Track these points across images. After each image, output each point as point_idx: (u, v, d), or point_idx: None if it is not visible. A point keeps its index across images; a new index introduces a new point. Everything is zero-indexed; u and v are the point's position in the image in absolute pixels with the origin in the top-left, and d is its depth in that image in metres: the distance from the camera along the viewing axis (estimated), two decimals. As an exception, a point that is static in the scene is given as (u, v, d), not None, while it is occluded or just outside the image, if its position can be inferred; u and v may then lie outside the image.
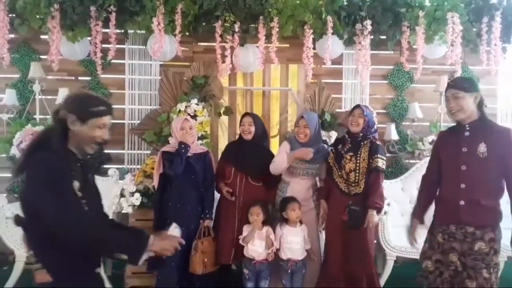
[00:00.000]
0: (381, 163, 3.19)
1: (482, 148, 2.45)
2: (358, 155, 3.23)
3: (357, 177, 3.21)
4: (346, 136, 3.36)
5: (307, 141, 3.37)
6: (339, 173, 3.28)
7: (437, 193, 2.70)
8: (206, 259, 3.25)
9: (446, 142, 2.68)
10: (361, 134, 3.27)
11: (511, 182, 2.44)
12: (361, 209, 3.14)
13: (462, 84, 2.55)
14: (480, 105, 2.52)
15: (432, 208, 2.75)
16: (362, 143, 3.27)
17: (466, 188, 2.49)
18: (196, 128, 3.61)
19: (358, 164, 3.22)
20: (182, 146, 3.27)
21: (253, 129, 3.48)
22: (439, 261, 2.60)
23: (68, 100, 1.82)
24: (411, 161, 4.70)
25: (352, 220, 3.14)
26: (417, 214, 2.79)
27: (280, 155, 3.39)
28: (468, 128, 2.53)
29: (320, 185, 3.54)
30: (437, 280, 2.60)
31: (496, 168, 2.45)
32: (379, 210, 3.20)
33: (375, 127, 3.34)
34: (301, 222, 3.31)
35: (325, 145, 3.65)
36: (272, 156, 3.49)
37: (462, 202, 2.50)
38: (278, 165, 3.34)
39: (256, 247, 3.23)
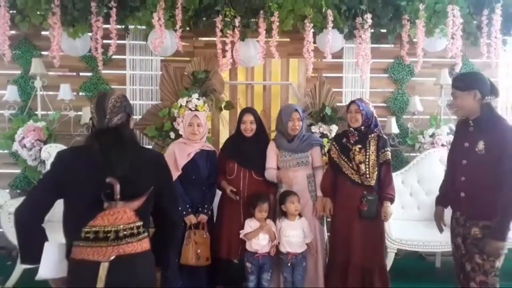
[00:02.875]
0: (390, 155, 3.34)
1: (481, 145, 2.50)
2: (367, 148, 3.30)
3: (367, 169, 3.26)
4: (352, 129, 3.38)
5: (298, 132, 3.46)
6: (350, 165, 3.31)
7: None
8: (199, 250, 3.25)
9: (457, 133, 2.78)
10: (363, 127, 3.33)
11: (505, 181, 2.43)
12: (376, 198, 3.23)
13: (457, 83, 2.61)
14: (482, 101, 2.53)
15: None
16: (369, 136, 3.34)
17: (465, 181, 2.58)
18: (207, 126, 3.58)
19: (367, 157, 3.29)
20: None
21: (254, 126, 3.49)
22: (455, 245, 2.73)
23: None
24: (411, 154, 4.73)
25: (370, 210, 3.21)
26: (438, 201, 2.89)
27: (270, 157, 3.49)
28: (471, 124, 2.59)
29: (313, 173, 3.53)
30: (457, 262, 2.73)
31: (493, 165, 2.47)
32: (392, 201, 3.30)
33: (375, 117, 3.40)
34: (300, 215, 3.34)
35: (312, 133, 3.78)
36: None
37: (462, 194, 2.59)
38: (270, 176, 3.47)
39: (260, 241, 3.26)
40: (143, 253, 1.88)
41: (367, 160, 3.28)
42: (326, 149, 3.80)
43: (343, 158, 3.34)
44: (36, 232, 1.93)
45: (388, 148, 3.35)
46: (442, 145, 4.34)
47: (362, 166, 3.26)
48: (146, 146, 2.17)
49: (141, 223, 1.88)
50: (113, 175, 1.84)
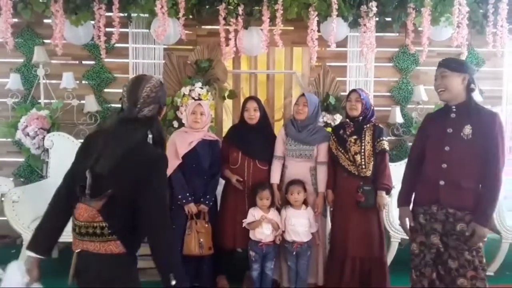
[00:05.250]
0: (386, 145, 3.31)
1: (467, 130, 2.46)
2: (363, 138, 3.29)
3: (363, 160, 3.25)
4: (348, 120, 3.38)
5: (304, 119, 3.41)
6: (346, 156, 3.31)
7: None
8: (202, 239, 3.25)
9: (432, 123, 2.68)
10: (361, 118, 3.33)
11: (489, 165, 2.42)
12: (372, 189, 3.22)
13: (449, 63, 2.56)
14: (468, 87, 2.51)
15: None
16: (365, 126, 3.33)
17: (447, 168, 2.50)
18: (210, 115, 3.55)
19: (363, 147, 3.27)
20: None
21: (258, 114, 3.47)
22: (423, 243, 2.62)
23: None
24: (415, 144, 4.70)
25: (368, 200, 3.20)
26: (404, 200, 2.77)
27: (278, 143, 3.50)
28: (454, 110, 2.54)
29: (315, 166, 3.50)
30: (421, 263, 2.62)
31: (479, 151, 2.44)
32: (388, 191, 3.28)
33: (373, 109, 3.40)
34: (306, 205, 3.33)
35: (325, 129, 3.69)
36: (275, 138, 3.54)
37: (442, 182, 2.51)
38: (272, 168, 3.49)
39: (263, 230, 3.26)
40: (107, 256, 1.82)
41: (362, 150, 3.27)
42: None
43: (340, 149, 3.35)
44: None
45: (384, 137, 3.31)
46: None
47: (358, 157, 3.26)
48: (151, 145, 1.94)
49: (106, 224, 1.80)
50: (92, 169, 1.81)
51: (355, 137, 3.31)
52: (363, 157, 3.26)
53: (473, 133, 2.45)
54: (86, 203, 1.81)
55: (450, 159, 2.50)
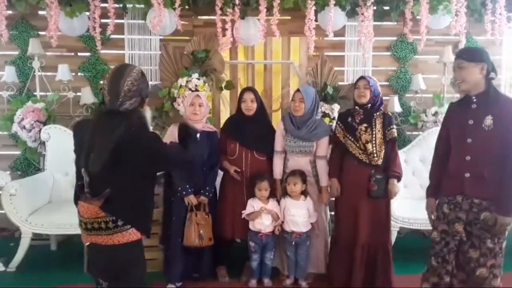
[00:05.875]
0: (395, 133, 3.30)
1: (488, 121, 2.43)
2: (373, 126, 3.25)
3: (374, 148, 3.21)
4: (357, 108, 3.32)
5: (302, 115, 3.36)
6: (357, 145, 3.26)
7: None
8: (201, 231, 3.25)
9: (454, 114, 2.66)
10: (369, 105, 3.28)
11: (508, 154, 2.39)
12: (383, 177, 3.21)
13: (465, 54, 2.52)
14: (487, 76, 2.47)
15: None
16: (374, 114, 3.29)
17: (471, 160, 2.48)
18: (208, 107, 3.53)
19: (374, 135, 3.23)
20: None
21: (255, 105, 3.46)
22: (445, 231, 2.60)
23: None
24: (414, 133, 4.71)
25: (379, 189, 3.18)
26: (431, 192, 2.77)
27: (277, 138, 3.47)
28: (475, 101, 2.50)
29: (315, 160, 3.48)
30: (443, 250, 2.61)
31: (500, 140, 2.41)
32: (399, 179, 3.27)
33: (381, 96, 3.36)
34: (305, 196, 3.32)
35: (325, 122, 3.65)
36: (273, 130, 3.52)
37: (467, 175, 2.49)
38: (274, 164, 3.48)
39: (263, 220, 3.26)
40: (114, 247, 1.91)
41: (373, 139, 3.23)
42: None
43: (349, 137, 3.30)
44: None
45: (393, 126, 3.30)
46: (445, 123, 4.33)
47: (369, 146, 3.22)
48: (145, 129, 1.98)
49: (112, 218, 1.88)
50: (87, 168, 1.86)
51: (365, 125, 3.26)
52: (374, 145, 3.22)
53: (494, 123, 2.42)
54: (87, 202, 1.88)
55: (474, 151, 2.48)
